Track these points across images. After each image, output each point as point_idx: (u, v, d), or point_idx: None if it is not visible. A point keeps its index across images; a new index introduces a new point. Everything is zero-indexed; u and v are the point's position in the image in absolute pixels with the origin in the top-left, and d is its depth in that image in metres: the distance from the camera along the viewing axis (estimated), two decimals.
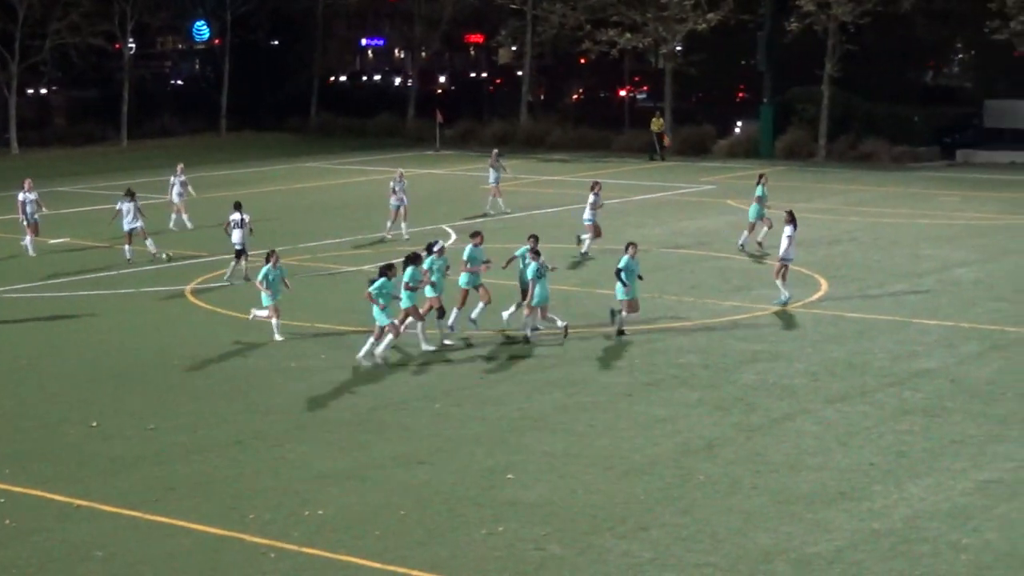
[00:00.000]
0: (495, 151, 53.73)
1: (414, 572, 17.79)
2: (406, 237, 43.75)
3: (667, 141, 71.76)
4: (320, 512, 19.96)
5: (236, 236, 37.62)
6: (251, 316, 31.48)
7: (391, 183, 45.09)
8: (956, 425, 24.19)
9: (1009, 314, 33.11)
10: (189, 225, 47.26)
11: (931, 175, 62.41)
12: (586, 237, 41.63)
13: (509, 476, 21.55)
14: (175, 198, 47.56)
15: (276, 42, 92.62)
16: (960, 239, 44.35)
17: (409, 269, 29.46)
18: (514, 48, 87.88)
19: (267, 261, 31.04)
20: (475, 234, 32.00)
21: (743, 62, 74.81)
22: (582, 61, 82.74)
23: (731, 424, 24.33)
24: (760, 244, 41.56)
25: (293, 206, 53.61)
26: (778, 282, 33.99)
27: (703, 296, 35.30)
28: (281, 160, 71.81)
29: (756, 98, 74.24)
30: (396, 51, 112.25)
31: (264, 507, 20.17)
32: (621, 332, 30.80)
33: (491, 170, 51.10)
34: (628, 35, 72.47)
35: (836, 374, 27.67)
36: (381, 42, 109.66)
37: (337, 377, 27.71)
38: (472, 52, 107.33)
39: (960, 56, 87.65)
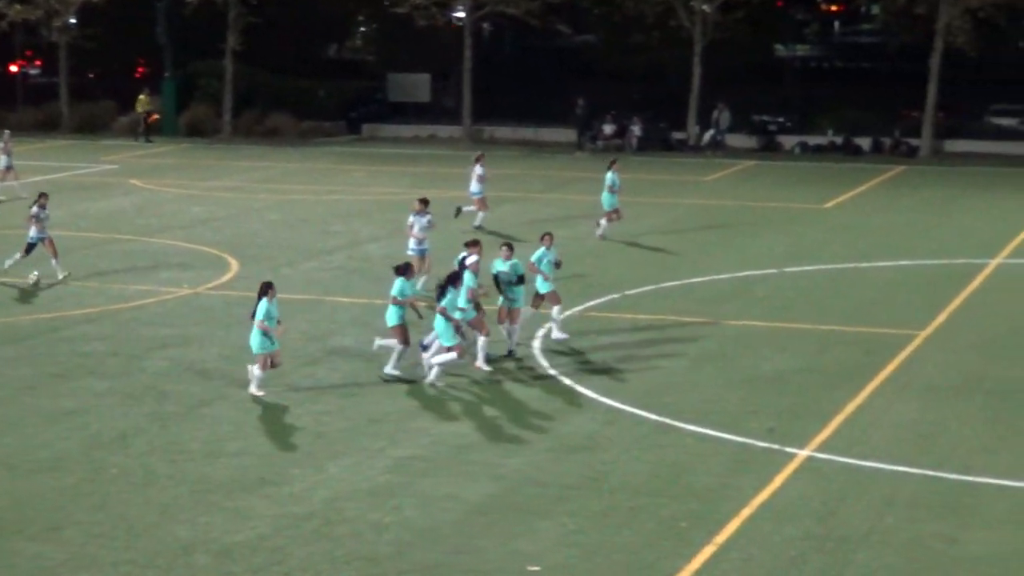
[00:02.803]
0: (7, 132, 49.53)
1: None
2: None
3: (153, 118, 68.92)
4: None
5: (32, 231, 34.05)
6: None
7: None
8: (374, 404, 24.26)
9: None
10: None
11: (339, 150, 63.05)
12: (470, 209, 40.76)
13: None
14: None
15: None
16: (369, 214, 44.79)
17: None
18: None
19: (263, 295, 24.57)
20: (500, 247, 27.69)
21: (143, 35, 73.14)
22: None
23: (144, 414, 23.60)
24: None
25: None
26: None
27: (108, 281, 34.19)
28: None
29: (158, 72, 72.88)
30: None
31: None
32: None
33: (2, 155, 47.43)
34: (18, 7, 69.56)
35: (251, 358, 27.15)
36: None
37: None
38: None
39: (363, 29, 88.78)
